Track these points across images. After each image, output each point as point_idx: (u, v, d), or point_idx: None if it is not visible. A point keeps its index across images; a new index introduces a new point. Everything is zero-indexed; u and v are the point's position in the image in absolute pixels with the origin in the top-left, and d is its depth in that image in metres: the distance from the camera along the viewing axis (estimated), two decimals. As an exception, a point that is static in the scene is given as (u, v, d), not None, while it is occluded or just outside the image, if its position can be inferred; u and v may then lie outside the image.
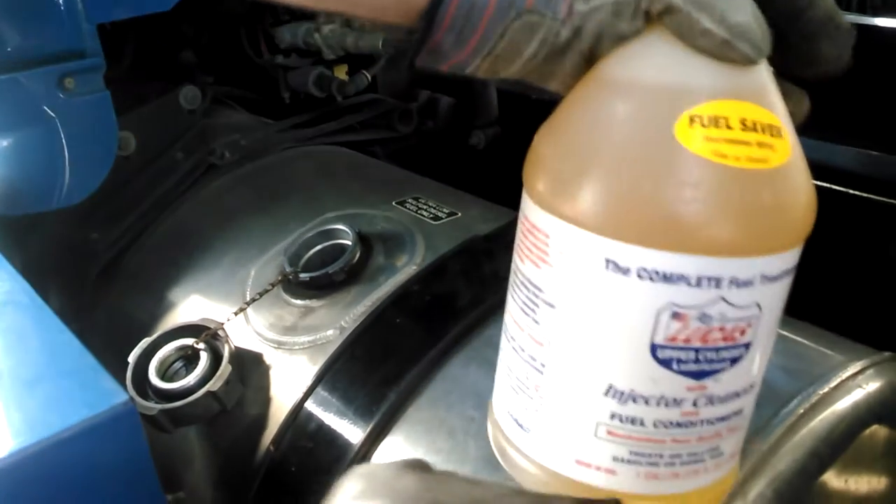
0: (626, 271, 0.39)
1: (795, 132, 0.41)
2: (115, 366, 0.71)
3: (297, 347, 0.73)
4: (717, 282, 0.38)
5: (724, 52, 0.38)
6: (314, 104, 1.17)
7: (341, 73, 1.14)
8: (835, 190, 1.00)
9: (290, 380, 0.72)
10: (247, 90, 1.26)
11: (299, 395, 0.69)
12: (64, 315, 0.95)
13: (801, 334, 0.65)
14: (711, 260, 0.38)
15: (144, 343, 0.73)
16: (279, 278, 0.78)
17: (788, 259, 0.40)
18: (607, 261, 0.39)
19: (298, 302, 0.77)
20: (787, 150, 0.39)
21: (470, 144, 1.20)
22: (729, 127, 0.37)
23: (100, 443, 0.50)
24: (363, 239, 0.80)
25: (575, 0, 0.40)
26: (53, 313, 0.63)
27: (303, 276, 0.77)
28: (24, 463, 0.48)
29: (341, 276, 0.76)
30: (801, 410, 0.54)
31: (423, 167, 1.06)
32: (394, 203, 0.87)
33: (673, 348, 0.39)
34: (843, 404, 0.55)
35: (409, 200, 0.87)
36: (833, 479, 0.54)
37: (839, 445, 0.53)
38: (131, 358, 0.72)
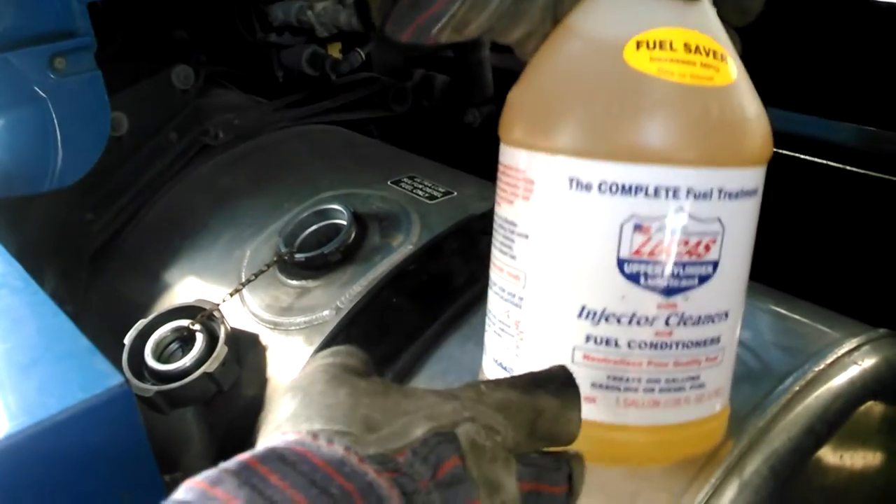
0: (588, 187, 0.41)
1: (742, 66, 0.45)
2: (111, 347, 0.71)
3: (293, 328, 0.73)
4: (675, 192, 0.40)
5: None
6: (308, 83, 1.16)
7: (335, 51, 1.14)
8: (834, 167, 1.00)
9: (287, 361, 0.72)
10: (240, 69, 1.25)
11: (296, 375, 0.69)
12: (59, 297, 0.96)
13: (797, 311, 0.65)
14: (667, 169, 0.40)
15: (140, 325, 0.73)
16: (274, 259, 0.78)
17: (747, 178, 0.42)
18: (570, 179, 0.42)
19: (294, 282, 0.77)
20: (731, 75, 0.42)
21: (465, 123, 1.19)
22: (673, 49, 0.41)
23: (96, 425, 0.50)
24: (358, 219, 0.79)
25: None
26: (48, 297, 0.62)
27: (298, 256, 0.76)
28: (21, 446, 0.48)
29: (337, 257, 0.76)
30: (797, 387, 0.54)
31: (419, 146, 1.05)
32: (389, 182, 0.87)
33: (639, 262, 0.41)
34: (839, 381, 0.55)
35: (405, 179, 0.87)
36: (829, 455, 0.55)
37: (835, 422, 0.53)
38: (127, 339, 0.72)
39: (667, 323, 0.42)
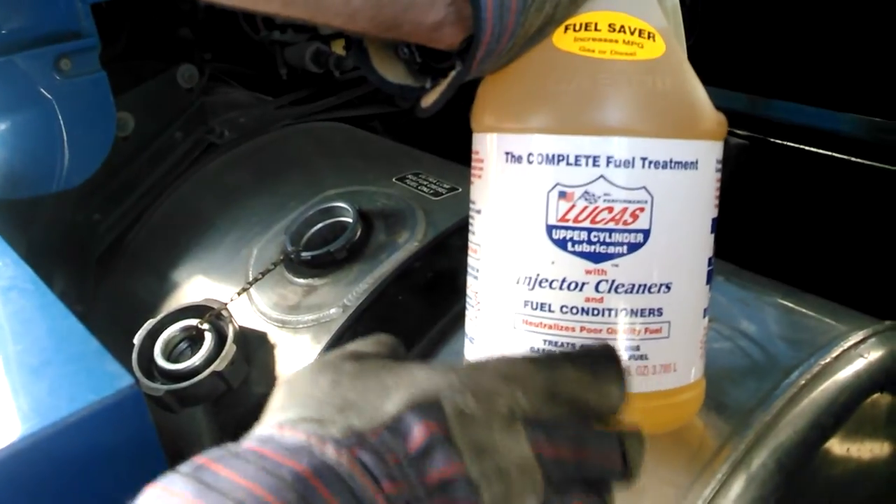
0: (519, 159, 0.45)
1: (683, 48, 0.48)
2: (121, 347, 0.71)
3: (300, 326, 0.74)
4: (595, 159, 0.43)
5: None
6: (312, 80, 1.16)
7: (338, 47, 1.14)
8: (838, 158, 1.00)
9: (295, 358, 0.72)
10: (244, 67, 1.25)
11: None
12: (68, 297, 0.96)
13: (802, 304, 0.65)
14: (586, 138, 0.43)
15: (149, 324, 0.73)
16: (281, 257, 0.78)
17: (678, 149, 0.44)
18: (507, 153, 0.45)
19: (301, 281, 0.77)
20: (659, 50, 0.45)
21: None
22: (597, 29, 0.44)
23: (106, 426, 0.51)
24: (364, 216, 0.80)
25: None
26: (57, 298, 0.63)
27: (304, 254, 0.77)
28: (33, 448, 0.49)
29: (343, 254, 0.76)
30: (803, 381, 0.54)
31: (424, 141, 1.05)
32: (394, 179, 0.87)
33: (565, 228, 0.44)
34: (845, 374, 0.55)
35: (410, 176, 0.87)
36: (836, 448, 0.55)
37: (841, 415, 0.54)
38: (136, 339, 0.73)
39: (597, 289, 0.44)
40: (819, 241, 1.01)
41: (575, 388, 0.37)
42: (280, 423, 0.34)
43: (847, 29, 1.00)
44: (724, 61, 1.09)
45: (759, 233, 1.04)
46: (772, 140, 1.05)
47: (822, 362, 0.56)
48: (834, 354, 0.56)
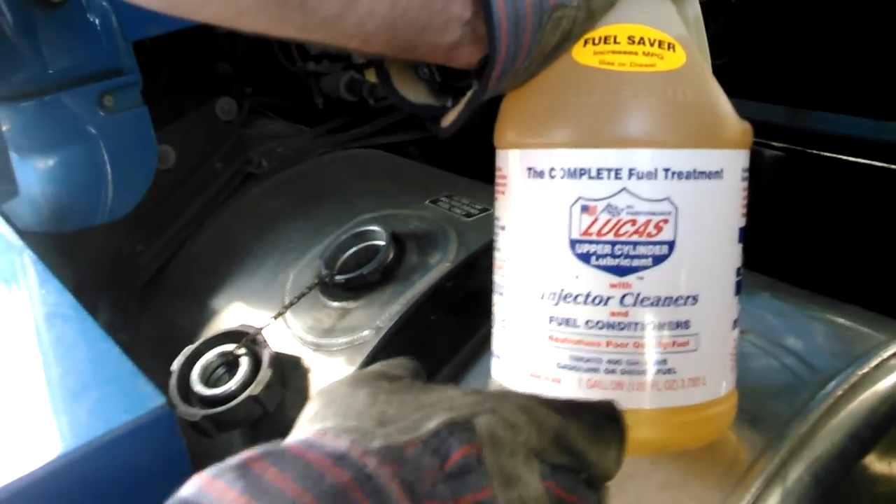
0: (541, 174, 0.45)
1: (706, 58, 0.48)
2: (163, 373, 0.73)
3: (335, 349, 0.74)
4: (617, 172, 0.43)
5: None
6: (347, 108, 1.18)
7: (372, 76, 1.15)
8: (879, 167, 0.98)
9: (330, 381, 0.73)
10: (282, 98, 1.27)
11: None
12: (114, 326, 0.99)
13: (841, 314, 0.63)
14: (608, 151, 0.43)
15: (187, 351, 0.75)
16: (315, 281, 0.79)
17: (701, 160, 0.44)
18: (528, 169, 0.45)
19: (335, 304, 0.78)
20: (679, 60, 0.44)
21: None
22: (616, 42, 0.44)
23: (140, 446, 0.52)
24: (397, 239, 0.80)
25: None
26: (96, 324, 0.65)
27: (338, 278, 0.78)
28: (68, 467, 0.50)
29: (376, 277, 0.77)
30: (840, 392, 0.53)
31: (460, 165, 1.06)
32: (426, 202, 0.88)
33: (588, 242, 0.43)
34: (885, 384, 0.54)
35: (442, 198, 0.88)
36: (875, 463, 0.53)
37: (881, 427, 0.52)
38: (175, 366, 0.74)
39: (622, 303, 0.44)
40: (858, 252, 0.98)
41: (580, 441, 0.37)
42: (321, 430, 0.34)
43: (888, 37, 0.98)
44: (762, 74, 1.08)
45: (796, 244, 1.02)
46: (809, 151, 1.03)
47: (861, 372, 0.54)
48: (873, 364, 0.55)
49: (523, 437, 0.35)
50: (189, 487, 0.31)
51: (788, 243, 0.99)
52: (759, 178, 0.48)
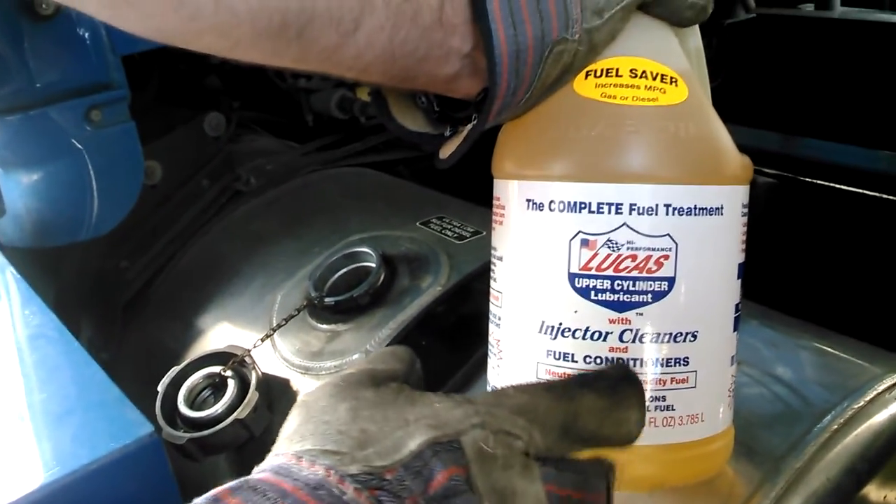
0: (540, 206, 0.44)
1: (707, 91, 0.48)
2: (146, 394, 0.71)
3: (323, 372, 0.73)
4: (618, 207, 0.42)
5: (700, 16, 0.46)
6: (338, 126, 1.18)
7: (363, 94, 1.15)
8: (870, 196, 0.98)
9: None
10: (271, 114, 1.27)
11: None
12: (95, 344, 0.97)
13: (834, 346, 0.63)
14: (609, 186, 0.42)
15: (173, 372, 0.74)
16: (304, 303, 0.78)
17: (701, 196, 0.43)
18: (528, 200, 0.45)
19: (324, 326, 0.77)
20: (682, 95, 0.44)
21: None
22: (619, 75, 0.44)
23: (126, 475, 0.51)
24: (387, 261, 0.79)
25: (584, 16, 0.41)
26: (82, 347, 0.63)
27: (328, 300, 0.77)
28: (54, 496, 0.49)
29: (366, 300, 0.76)
30: (836, 426, 0.53)
31: (449, 185, 1.06)
32: (418, 223, 0.87)
33: (588, 276, 0.43)
34: (880, 418, 0.54)
35: (433, 220, 0.87)
36: (872, 494, 0.53)
37: (877, 461, 0.52)
38: (160, 387, 0.73)
39: (621, 339, 0.43)
40: (852, 281, 0.99)
41: (591, 423, 0.36)
42: (298, 453, 0.33)
43: (880, 66, 0.99)
44: (754, 100, 1.09)
45: (789, 272, 1.02)
46: (802, 178, 1.03)
47: (856, 406, 0.54)
48: (868, 398, 0.55)
49: (522, 444, 0.34)
50: None
51: (780, 271, 0.99)
52: (752, 205, 0.48)
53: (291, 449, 0.34)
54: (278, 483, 0.31)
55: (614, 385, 0.38)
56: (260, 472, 0.33)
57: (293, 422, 0.37)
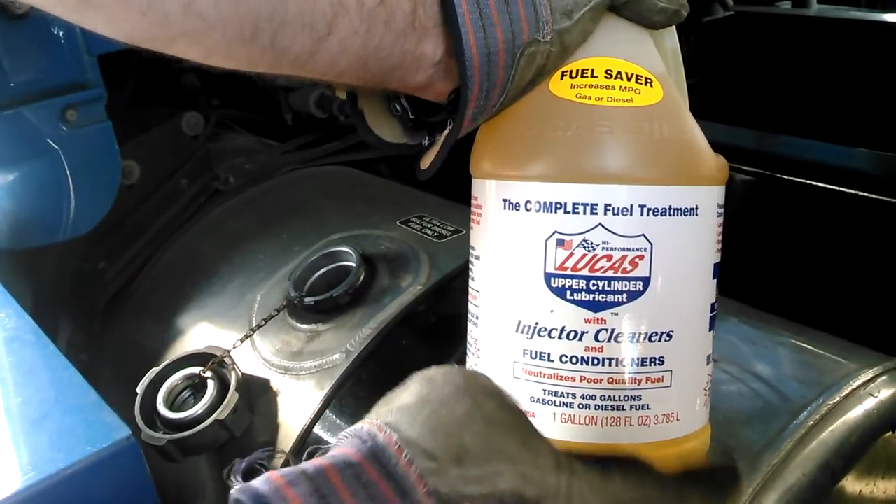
0: (517, 206, 0.44)
1: (683, 92, 0.49)
2: (125, 395, 0.71)
3: (303, 372, 0.73)
4: (593, 207, 0.43)
5: (673, 20, 0.46)
6: (317, 125, 1.17)
7: (341, 93, 1.14)
8: (847, 193, 0.99)
9: (298, 405, 0.72)
10: (250, 112, 1.26)
11: (307, 420, 0.69)
12: (74, 345, 0.96)
13: (811, 342, 0.64)
14: (584, 186, 0.43)
15: (152, 373, 0.73)
16: (284, 303, 0.78)
17: (676, 196, 0.44)
18: (504, 200, 0.45)
19: (304, 326, 0.77)
20: (657, 96, 0.44)
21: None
22: (594, 76, 0.44)
23: (104, 478, 0.50)
24: (367, 260, 0.79)
25: (554, 17, 0.41)
26: (58, 350, 0.63)
27: (308, 300, 0.76)
28: (31, 500, 0.48)
29: (346, 299, 0.76)
30: (812, 422, 0.53)
31: (430, 183, 1.05)
32: (398, 222, 0.87)
33: (564, 276, 0.43)
34: (855, 413, 0.54)
35: (414, 219, 0.87)
36: (848, 489, 0.53)
37: (852, 456, 0.53)
38: (139, 388, 0.72)
39: (596, 338, 0.43)
40: (828, 277, 1.00)
41: None
42: (402, 439, 0.33)
43: (856, 63, 1.00)
44: (731, 98, 1.10)
45: (766, 269, 1.03)
46: (779, 176, 1.04)
47: (832, 402, 0.55)
48: (843, 393, 0.56)
49: None
50: (264, 484, 0.31)
51: (758, 268, 1.00)
52: (729, 203, 0.48)
53: (401, 429, 0.34)
54: (377, 481, 0.32)
55: (714, 488, 0.38)
56: (361, 447, 0.33)
57: (413, 394, 0.36)
